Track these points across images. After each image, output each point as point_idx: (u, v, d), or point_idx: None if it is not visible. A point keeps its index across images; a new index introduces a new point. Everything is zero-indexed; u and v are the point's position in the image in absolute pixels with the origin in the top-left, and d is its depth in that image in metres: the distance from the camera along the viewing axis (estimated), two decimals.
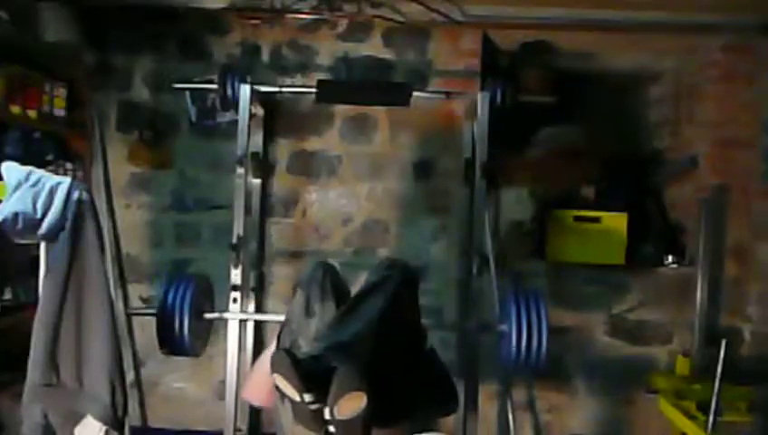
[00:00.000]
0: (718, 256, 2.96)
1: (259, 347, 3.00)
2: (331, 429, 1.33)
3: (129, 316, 2.77)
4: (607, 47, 3.12)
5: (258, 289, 3.01)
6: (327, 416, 1.30)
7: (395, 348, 1.50)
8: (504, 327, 2.23)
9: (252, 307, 2.93)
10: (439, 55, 3.03)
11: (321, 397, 1.29)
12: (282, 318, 1.72)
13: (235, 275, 2.47)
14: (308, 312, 1.60)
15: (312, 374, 1.30)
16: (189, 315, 2.15)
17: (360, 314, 1.53)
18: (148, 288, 3.10)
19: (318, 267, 1.73)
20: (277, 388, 1.34)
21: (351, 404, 1.29)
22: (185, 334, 2.15)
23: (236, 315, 2.43)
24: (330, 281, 1.68)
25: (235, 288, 2.46)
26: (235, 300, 2.45)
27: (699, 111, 3.09)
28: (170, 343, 2.19)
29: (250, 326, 2.93)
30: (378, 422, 1.34)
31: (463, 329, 2.68)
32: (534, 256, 3.08)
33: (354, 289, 1.82)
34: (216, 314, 2.36)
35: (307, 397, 1.29)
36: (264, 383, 1.64)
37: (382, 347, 1.44)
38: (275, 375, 1.33)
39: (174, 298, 2.17)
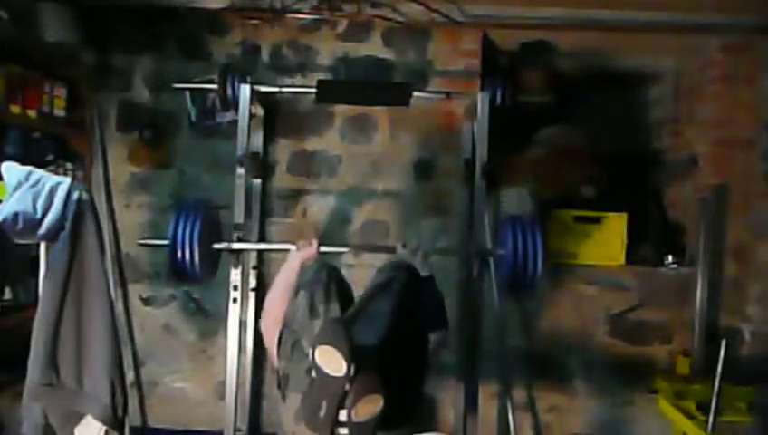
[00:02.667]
0: (718, 256, 2.96)
1: (259, 347, 3.00)
2: (343, 431, 1.32)
3: (138, 244, 2.65)
4: (607, 47, 3.12)
5: (258, 289, 3.01)
6: (343, 418, 1.30)
7: (402, 351, 1.50)
8: (501, 252, 2.29)
9: (252, 306, 2.92)
10: (439, 55, 3.03)
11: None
12: (283, 247, 1.77)
13: (235, 275, 2.47)
14: (312, 313, 1.59)
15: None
16: (199, 244, 2.19)
17: (370, 317, 1.52)
18: (148, 288, 3.10)
19: (322, 269, 1.73)
20: (315, 365, 1.32)
21: (368, 407, 1.29)
22: (196, 263, 2.20)
23: (242, 245, 2.45)
24: (334, 283, 1.67)
25: (235, 288, 2.46)
26: (234, 300, 2.46)
27: (699, 111, 3.09)
28: (181, 271, 2.24)
29: (250, 327, 2.93)
30: (382, 424, 1.34)
31: (463, 254, 2.80)
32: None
33: (353, 289, 1.83)
34: (223, 244, 2.37)
35: (352, 370, 1.28)
36: (275, 318, 1.71)
37: (392, 350, 1.43)
38: (319, 349, 1.31)
39: (184, 228, 2.20)
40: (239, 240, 2.43)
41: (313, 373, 1.34)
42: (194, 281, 2.32)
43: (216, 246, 2.33)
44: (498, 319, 2.85)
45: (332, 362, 1.29)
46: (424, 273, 1.93)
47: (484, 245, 2.68)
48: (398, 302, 1.58)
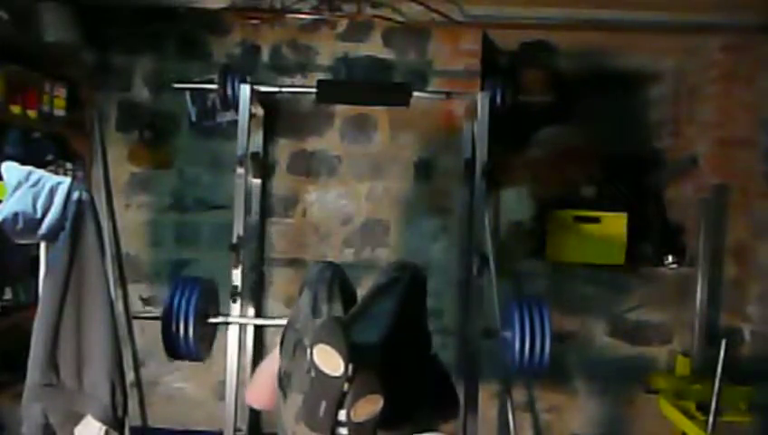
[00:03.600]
0: (718, 256, 2.96)
1: (259, 348, 3.00)
2: (342, 431, 1.32)
3: (133, 319, 2.71)
4: (607, 47, 3.12)
5: (258, 289, 3.01)
6: (342, 418, 1.29)
7: (403, 351, 1.50)
8: (507, 334, 2.22)
9: (251, 308, 2.92)
10: (439, 55, 3.03)
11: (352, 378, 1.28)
12: (284, 322, 1.71)
13: (235, 276, 2.47)
14: (315, 312, 1.59)
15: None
16: (195, 320, 2.13)
17: (372, 316, 1.52)
18: (148, 288, 3.10)
19: (326, 268, 1.72)
20: (313, 364, 1.31)
21: (368, 407, 1.29)
22: (190, 339, 2.13)
23: (239, 320, 2.42)
24: (337, 282, 1.67)
25: (235, 289, 2.46)
26: (234, 300, 2.46)
27: (699, 111, 3.09)
28: (176, 348, 2.17)
29: (250, 327, 2.93)
30: (383, 424, 1.34)
31: (465, 335, 2.61)
32: (534, 256, 3.08)
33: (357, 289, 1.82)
34: (220, 319, 2.34)
35: (350, 370, 1.27)
36: (266, 386, 1.65)
37: (393, 350, 1.43)
38: (317, 348, 1.29)
39: (179, 303, 2.14)
40: (239, 239, 2.43)
41: (312, 372, 1.33)
42: (188, 358, 2.22)
43: (213, 320, 2.29)
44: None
45: (330, 361, 1.29)
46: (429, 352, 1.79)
47: (484, 244, 2.67)
48: (401, 302, 1.57)
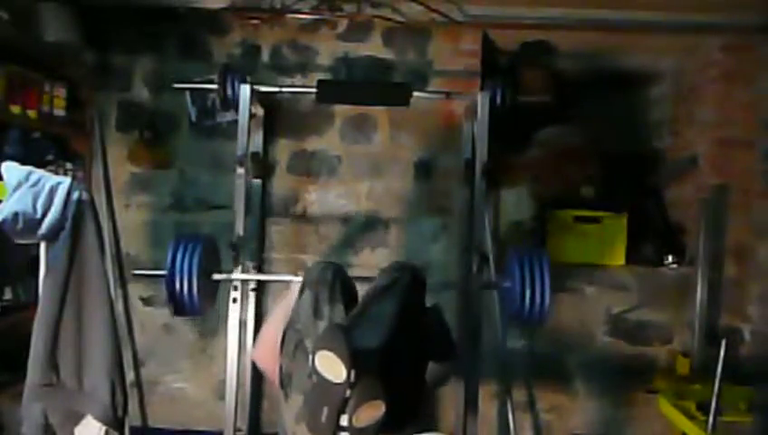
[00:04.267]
0: (718, 256, 2.96)
1: None
2: None
3: (133, 275, 2.63)
4: (607, 47, 3.11)
5: (258, 289, 3.01)
6: (344, 423, 1.30)
7: (404, 353, 1.50)
8: (507, 284, 2.24)
9: (252, 306, 2.92)
10: (439, 55, 3.03)
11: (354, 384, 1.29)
12: (285, 278, 1.71)
13: (235, 275, 2.47)
14: (316, 313, 1.59)
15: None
16: (198, 276, 2.15)
17: (372, 319, 1.52)
18: (148, 288, 3.10)
19: (327, 268, 1.72)
20: (315, 370, 1.31)
21: (370, 413, 1.29)
22: (194, 295, 2.15)
23: (241, 276, 2.42)
24: (339, 282, 1.67)
25: (235, 288, 2.46)
26: (234, 300, 2.45)
27: (699, 111, 3.09)
28: (180, 305, 2.19)
29: (250, 327, 2.93)
30: (383, 427, 1.34)
31: (466, 287, 2.70)
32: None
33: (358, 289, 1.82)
34: (223, 276, 2.33)
35: (352, 376, 1.28)
36: (269, 344, 1.67)
37: (394, 353, 1.43)
38: (319, 354, 1.30)
39: (182, 260, 2.16)
40: (239, 239, 2.43)
41: (314, 378, 1.33)
42: (192, 313, 2.24)
43: (216, 277, 2.29)
44: (503, 351, 2.84)
45: (333, 367, 1.29)
46: (431, 301, 1.86)
47: (484, 244, 2.68)
48: (401, 304, 1.57)
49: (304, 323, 1.58)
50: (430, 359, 1.65)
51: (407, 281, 1.68)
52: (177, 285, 2.13)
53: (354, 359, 1.28)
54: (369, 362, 1.33)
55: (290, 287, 1.91)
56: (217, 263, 2.38)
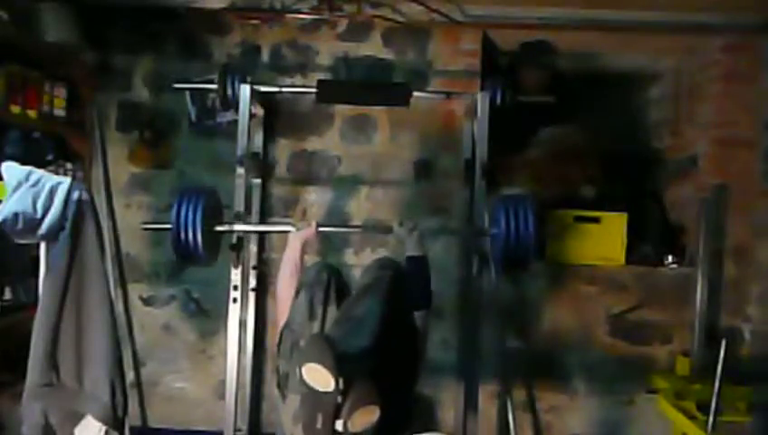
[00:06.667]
0: (718, 256, 2.96)
1: (259, 347, 3.00)
2: None
3: (143, 229, 2.58)
4: (607, 47, 3.12)
5: (258, 289, 3.01)
6: (339, 428, 1.30)
7: (393, 354, 1.50)
8: (495, 231, 2.32)
9: (252, 306, 2.92)
10: (439, 55, 3.03)
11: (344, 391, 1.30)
12: (285, 229, 1.93)
13: (235, 275, 2.47)
14: (311, 314, 1.60)
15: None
16: (202, 227, 2.21)
17: (359, 320, 1.52)
18: (148, 288, 3.10)
19: (322, 270, 1.73)
20: (304, 382, 1.33)
21: (365, 417, 1.30)
22: (199, 245, 2.21)
23: (243, 227, 2.49)
24: (334, 284, 1.67)
25: (235, 288, 2.46)
26: (234, 300, 2.46)
27: (699, 111, 3.09)
28: (185, 255, 2.25)
29: (250, 327, 2.93)
30: (379, 429, 1.34)
31: (462, 234, 2.96)
32: (534, 256, 3.07)
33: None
34: (225, 227, 2.37)
35: (341, 384, 1.29)
36: (286, 279, 1.84)
37: (383, 352, 1.43)
38: (306, 367, 1.31)
39: (186, 212, 2.22)
40: (239, 239, 2.43)
41: (304, 389, 1.35)
42: (197, 262, 2.33)
43: (219, 228, 2.34)
44: (496, 300, 2.84)
45: (320, 378, 1.30)
46: (419, 252, 1.99)
47: (484, 244, 2.67)
48: (386, 302, 1.57)
49: (300, 323, 1.60)
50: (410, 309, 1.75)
51: (389, 278, 1.68)
52: (183, 236, 2.19)
53: (340, 366, 1.29)
54: (358, 366, 1.34)
55: (289, 238, 2.08)
56: (220, 215, 2.41)
